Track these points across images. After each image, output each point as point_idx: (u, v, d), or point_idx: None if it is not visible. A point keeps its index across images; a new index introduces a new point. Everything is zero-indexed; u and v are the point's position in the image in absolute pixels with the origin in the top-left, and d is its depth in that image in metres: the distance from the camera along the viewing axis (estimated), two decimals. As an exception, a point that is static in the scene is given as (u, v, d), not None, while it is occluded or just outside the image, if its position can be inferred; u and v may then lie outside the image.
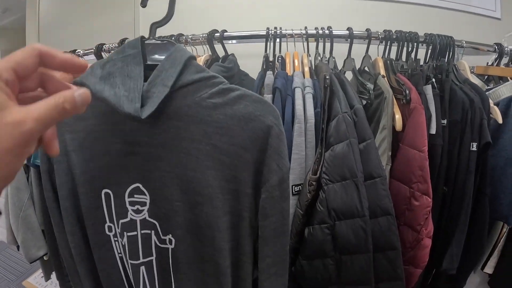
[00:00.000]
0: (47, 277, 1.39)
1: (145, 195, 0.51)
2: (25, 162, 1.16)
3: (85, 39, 1.27)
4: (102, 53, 1.09)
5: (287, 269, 0.57)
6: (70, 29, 1.57)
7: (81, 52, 1.14)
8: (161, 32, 1.00)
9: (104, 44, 1.09)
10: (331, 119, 0.72)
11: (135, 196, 0.51)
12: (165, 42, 0.52)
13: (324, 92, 0.75)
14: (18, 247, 1.31)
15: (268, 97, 0.77)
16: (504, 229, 1.07)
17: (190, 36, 0.96)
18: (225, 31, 0.92)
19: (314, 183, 0.70)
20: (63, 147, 0.51)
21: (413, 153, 0.73)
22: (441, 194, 0.82)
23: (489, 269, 1.12)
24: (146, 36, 0.53)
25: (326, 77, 0.76)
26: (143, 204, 0.52)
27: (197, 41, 0.94)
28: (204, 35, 0.93)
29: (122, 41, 1.06)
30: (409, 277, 0.78)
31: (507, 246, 1.08)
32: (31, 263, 1.22)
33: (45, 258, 1.26)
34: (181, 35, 0.98)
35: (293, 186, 0.73)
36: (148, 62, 0.50)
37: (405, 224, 0.76)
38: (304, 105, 0.74)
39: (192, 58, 0.48)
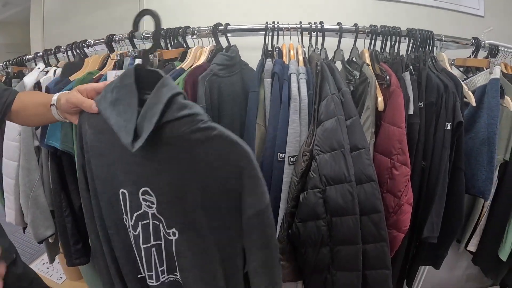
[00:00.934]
0: (52, 260, 1.47)
1: (152, 196, 0.60)
2: (38, 143, 1.29)
3: (90, 31, 1.33)
4: (113, 44, 1.21)
5: (276, 269, 0.62)
6: (74, 22, 1.63)
7: (92, 42, 1.24)
8: (169, 24, 1.15)
9: (115, 35, 1.20)
10: (322, 100, 0.85)
11: (146, 195, 0.61)
12: (154, 71, 0.57)
13: (316, 77, 0.89)
14: (24, 229, 1.41)
15: (267, 81, 0.91)
16: (485, 208, 1.21)
17: (196, 28, 1.10)
18: (228, 24, 1.06)
19: (307, 153, 0.83)
20: (86, 155, 0.64)
21: (393, 129, 0.87)
22: (420, 168, 0.94)
23: (472, 247, 1.26)
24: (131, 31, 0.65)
25: (318, 64, 0.90)
26: (152, 203, 0.61)
27: (202, 33, 1.09)
28: (209, 27, 1.07)
29: (132, 33, 1.20)
30: (392, 240, 0.90)
31: (488, 225, 1.22)
32: (39, 242, 1.31)
33: (50, 240, 1.35)
34: (188, 27, 1.11)
35: (289, 157, 0.86)
36: (141, 96, 0.56)
37: (387, 192, 0.89)
38: (299, 88, 0.87)
39: (176, 95, 0.52)
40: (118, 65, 1.11)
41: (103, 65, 1.22)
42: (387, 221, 0.90)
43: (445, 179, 0.95)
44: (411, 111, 0.91)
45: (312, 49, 1.05)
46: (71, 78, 1.17)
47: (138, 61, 1.02)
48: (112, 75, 1.05)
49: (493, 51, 1.18)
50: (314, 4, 1.43)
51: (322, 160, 0.81)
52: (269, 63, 0.93)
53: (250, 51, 1.09)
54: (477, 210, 1.22)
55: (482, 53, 1.21)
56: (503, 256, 1.21)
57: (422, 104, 0.93)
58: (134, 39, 1.19)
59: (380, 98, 0.90)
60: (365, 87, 0.92)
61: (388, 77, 0.90)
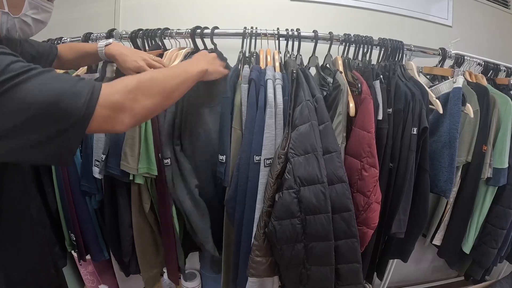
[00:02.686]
0: None
1: None
2: None
3: (63, 27, 1.29)
4: (90, 42, 1.19)
5: None
6: (53, 14, 1.62)
7: (68, 39, 1.23)
8: (148, 25, 1.15)
9: (92, 33, 1.19)
10: (297, 105, 0.91)
11: None
12: None
13: (291, 84, 0.94)
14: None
15: (244, 86, 0.95)
16: (448, 206, 1.31)
17: (175, 31, 1.11)
18: (207, 28, 1.09)
19: (282, 156, 0.88)
20: None
21: (363, 134, 0.93)
22: (388, 169, 1.02)
23: (437, 241, 1.36)
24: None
25: (294, 72, 0.95)
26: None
27: (181, 35, 1.10)
28: (188, 30, 1.09)
29: (111, 31, 1.19)
30: (363, 236, 0.97)
31: (451, 220, 1.32)
32: None
33: None
34: (167, 29, 1.12)
35: (265, 160, 0.91)
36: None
37: (357, 192, 0.96)
38: (275, 94, 0.92)
39: None
40: (91, 69, 1.12)
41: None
42: (358, 219, 0.97)
43: (411, 179, 1.03)
44: (380, 117, 0.98)
45: (288, 55, 1.10)
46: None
47: (110, 65, 1.04)
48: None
49: (459, 60, 1.27)
50: (291, 10, 1.48)
51: (296, 162, 0.87)
52: (246, 69, 0.97)
53: (228, 52, 1.11)
54: (441, 207, 1.33)
55: (449, 62, 1.30)
56: (466, 249, 1.32)
57: (390, 110, 1.00)
58: (112, 38, 1.19)
59: (352, 104, 0.96)
60: (338, 94, 0.98)
61: (359, 85, 0.96)
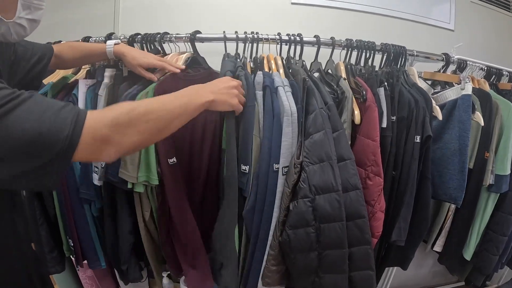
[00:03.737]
0: None
1: None
2: None
3: (61, 29, 1.31)
4: None
5: None
6: (46, 19, 1.61)
7: None
8: (147, 29, 1.14)
9: (91, 37, 1.17)
10: (309, 113, 0.89)
11: None
12: None
13: (303, 92, 0.93)
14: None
15: (259, 93, 0.93)
16: (450, 212, 1.31)
17: (174, 35, 1.09)
18: (199, 32, 1.08)
19: (298, 166, 0.87)
20: None
21: (368, 142, 0.92)
22: (391, 177, 1.01)
23: (438, 247, 1.36)
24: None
25: (306, 80, 0.94)
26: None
27: (181, 39, 1.09)
28: (187, 35, 1.08)
29: (109, 35, 1.18)
30: (367, 244, 0.96)
31: (453, 227, 1.32)
32: None
33: None
34: (166, 33, 1.10)
35: (283, 168, 0.89)
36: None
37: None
38: (289, 102, 0.89)
39: None
40: (90, 74, 1.11)
41: (77, 70, 1.20)
42: (361, 228, 0.96)
43: (413, 187, 1.02)
44: (384, 125, 0.97)
45: (291, 60, 1.08)
46: (44, 81, 1.13)
47: (108, 70, 1.03)
48: (84, 83, 1.05)
49: (462, 65, 1.26)
50: (292, 14, 1.46)
51: (311, 171, 0.86)
52: (259, 75, 0.95)
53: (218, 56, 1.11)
54: (442, 213, 1.32)
55: (450, 67, 1.29)
56: (467, 256, 1.32)
57: (394, 118, 0.99)
58: (117, 40, 1.17)
59: (356, 112, 0.95)
60: (342, 101, 0.97)
61: (364, 92, 0.95)
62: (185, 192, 1.00)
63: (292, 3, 1.45)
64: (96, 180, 0.99)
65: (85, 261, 1.24)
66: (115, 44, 0.92)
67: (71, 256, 1.30)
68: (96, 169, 0.98)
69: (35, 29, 0.66)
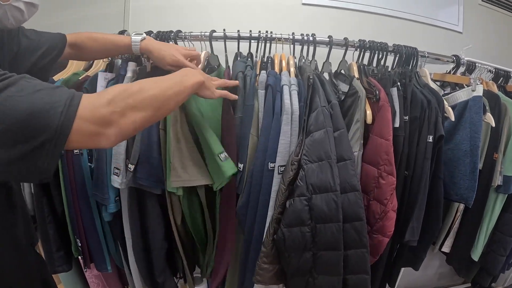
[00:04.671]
0: None
1: None
2: None
3: (72, 27, 1.32)
4: None
5: None
6: (56, 16, 1.56)
7: None
8: (158, 27, 1.15)
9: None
10: (312, 111, 0.90)
11: None
12: None
13: (307, 90, 0.94)
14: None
15: (261, 92, 0.94)
16: (458, 213, 1.32)
17: (188, 33, 1.10)
18: (214, 31, 1.09)
19: (295, 163, 0.87)
20: None
21: (381, 141, 0.93)
22: (403, 177, 1.02)
23: (446, 248, 1.37)
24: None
25: (310, 77, 0.95)
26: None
27: (196, 38, 1.10)
28: (203, 33, 1.09)
29: (122, 33, 1.18)
30: (378, 244, 0.97)
31: (461, 228, 1.33)
32: None
33: None
34: (179, 31, 1.11)
35: (279, 167, 0.90)
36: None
37: (374, 199, 0.96)
38: (291, 100, 0.91)
39: None
40: (109, 67, 1.10)
41: (89, 66, 1.20)
42: (374, 227, 0.97)
43: (425, 187, 1.03)
44: (397, 124, 0.98)
45: (303, 60, 1.09)
46: (55, 77, 1.14)
47: (131, 64, 1.01)
48: (103, 77, 1.03)
49: (470, 67, 1.27)
50: (305, 15, 1.48)
51: (309, 169, 0.86)
52: (263, 74, 0.97)
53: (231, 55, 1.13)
54: (451, 214, 1.33)
55: (459, 69, 1.30)
56: (475, 256, 1.33)
57: (407, 118, 1.00)
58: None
59: (369, 112, 0.96)
60: (355, 100, 0.98)
61: (377, 92, 0.96)
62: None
63: (303, 4, 1.46)
64: (116, 183, 0.95)
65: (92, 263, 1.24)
66: (141, 40, 0.89)
67: (79, 257, 1.30)
68: (116, 171, 0.95)
69: (33, 14, 0.64)
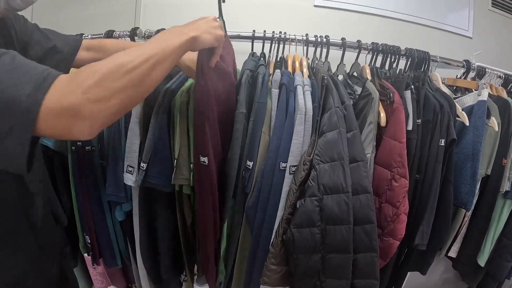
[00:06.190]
0: None
1: None
2: None
3: (83, 24, 1.33)
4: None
5: None
6: (67, 12, 1.57)
7: (89, 36, 1.22)
8: (170, 25, 1.16)
9: (114, 31, 1.20)
10: (325, 112, 0.92)
11: None
12: None
13: (321, 90, 0.95)
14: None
15: (275, 91, 0.95)
16: (466, 218, 1.34)
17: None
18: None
19: (308, 163, 0.88)
20: None
21: (394, 144, 0.95)
22: (414, 180, 1.04)
23: (453, 253, 1.38)
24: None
25: (324, 78, 0.96)
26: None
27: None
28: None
29: (134, 30, 1.20)
30: (389, 247, 0.99)
31: (468, 233, 1.35)
32: None
33: None
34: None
35: (291, 167, 0.91)
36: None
37: (386, 202, 0.98)
38: (305, 100, 0.92)
39: None
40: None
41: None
42: (385, 230, 0.99)
43: (436, 191, 1.05)
44: (409, 127, 1.00)
45: (316, 61, 1.11)
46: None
47: None
48: None
49: (480, 73, 1.30)
50: (319, 17, 1.50)
51: (321, 169, 0.87)
52: (277, 73, 0.98)
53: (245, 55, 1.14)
54: (458, 219, 1.35)
55: (469, 74, 1.33)
56: (481, 262, 1.35)
57: (419, 121, 1.03)
58: (136, 37, 1.19)
59: (382, 114, 0.98)
60: (368, 102, 1.00)
61: (391, 94, 0.98)
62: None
63: (315, 6, 1.49)
64: (130, 181, 0.95)
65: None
66: None
67: (86, 254, 1.31)
68: (130, 169, 0.95)
69: None
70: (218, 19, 0.75)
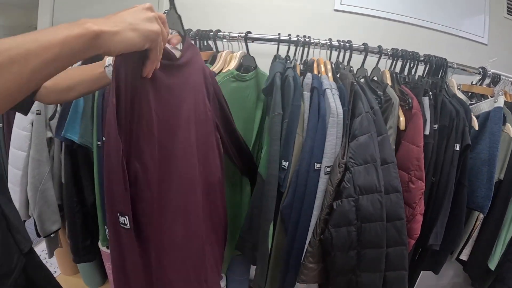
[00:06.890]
0: (51, 254, 1.46)
1: None
2: (52, 135, 1.30)
3: None
4: None
5: None
6: (87, 10, 1.64)
7: None
8: (193, 26, 1.22)
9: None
10: (356, 116, 0.98)
11: None
12: None
13: (350, 95, 1.02)
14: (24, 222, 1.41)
15: (307, 94, 1.02)
16: (478, 221, 1.39)
17: (227, 34, 1.19)
18: (249, 32, 1.18)
19: (343, 165, 0.95)
20: None
21: (412, 148, 1.02)
22: (430, 183, 1.11)
23: (464, 256, 1.44)
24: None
25: (354, 84, 1.02)
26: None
27: (235, 38, 1.19)
28: (240, 34, 1.18)
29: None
30: (404, 246, 1.05)
31: (480, 236, 1.40)
32: (44, 237, 1.32)
33: (52, 235, 1.34)
34: (218, 31, 1.20)
35: (326, 167, 0.97)
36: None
37: (403, 203, 1.04)
38: (335, 104, 0.98)
39: None
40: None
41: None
42: (401, 229, 1.04)
43: (450, 194, 1.12)
44: (427, 132, 1.07)
45: (340, 65, 1.18)
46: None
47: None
48: None
49: (495, 79, 1.36)
50: (340, 21, 1.57)
51: (356, 171, 0.94)
52: (308, 77, 1.05)
53: (265, 57, 1.22)
54: (471, 222, 1.41)
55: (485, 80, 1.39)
56: (492, 265, 1.40)
57: (436, 126, 1.09)
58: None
59: (402, 118, 1.05)
60: (388, 107, 1.07)
61: (410, 100, 1.04)
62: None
63: (335, 10, 1.56)
64: None
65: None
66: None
67: (105, 248, 1.37)
68: None
69: None
70: (165, 12, 0.58)
